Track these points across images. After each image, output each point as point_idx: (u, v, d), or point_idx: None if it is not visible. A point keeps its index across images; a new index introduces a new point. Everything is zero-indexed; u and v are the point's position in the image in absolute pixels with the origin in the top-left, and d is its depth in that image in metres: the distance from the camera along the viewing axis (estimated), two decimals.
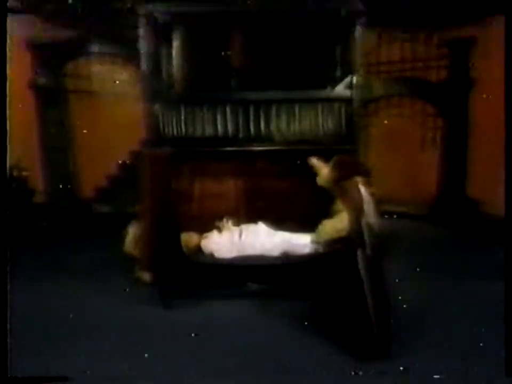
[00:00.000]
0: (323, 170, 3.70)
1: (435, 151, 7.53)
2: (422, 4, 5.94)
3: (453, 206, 7.13)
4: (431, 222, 7.19)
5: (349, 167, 3.51)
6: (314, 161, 3.79)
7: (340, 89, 4.17)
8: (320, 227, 3.80)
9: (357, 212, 3.32)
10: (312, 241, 4.08)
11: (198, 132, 4.23)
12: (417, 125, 7.55)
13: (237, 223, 4.44)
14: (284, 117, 4.24)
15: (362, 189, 3.37)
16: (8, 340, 2.38)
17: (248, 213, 4.53)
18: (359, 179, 3.42)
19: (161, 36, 4.20)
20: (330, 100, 4.22)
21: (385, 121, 7.45)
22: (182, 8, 4.10)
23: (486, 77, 6.52)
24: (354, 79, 4.08)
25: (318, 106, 4.21)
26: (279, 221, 4.44)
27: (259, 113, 4.22)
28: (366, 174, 3.51)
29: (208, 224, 4.42)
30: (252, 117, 4.21)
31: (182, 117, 4.21)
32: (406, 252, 5.71)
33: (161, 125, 4.17)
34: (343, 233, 3.40)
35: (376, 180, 7.23)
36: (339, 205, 3.53)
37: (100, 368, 3.07)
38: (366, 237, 3.25)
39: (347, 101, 4.15)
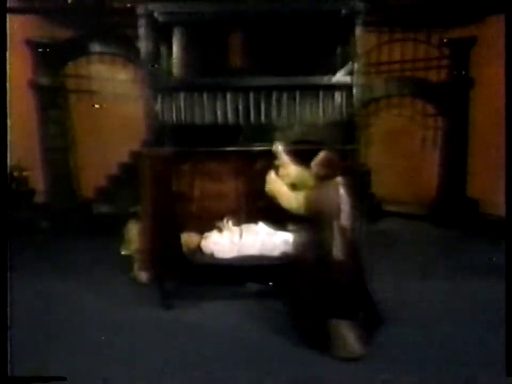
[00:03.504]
0: (289, 165, 3.67)
1: (435, 151, 7.53)
2: (423, 3, 5.95)
3: (454, 206, 7.13)
4: (432, 222, 7.20)
5: (336, 166, 3.40)
6: (281, 153, 3.75)
7: (340, 76, 4.10)
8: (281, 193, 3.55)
9: (331, 214, 3.26)
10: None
11: (198, 120, 4.18)
12: (418, 125, 7.55)
13: (237, 223, 4.44)
14: (284, 104, 4.17)
15: (342, 191, 3.31)
16: (8, 340, 2.38)
17: (248, 213, 4.53)
18: (340, 180, 3.35)
19: (161, 32, 4.18)
20: (331, 87, 4.12)
21: (386, 121, 7.46)
22: (182, 8, 4.09)
23: (486, 76, 6.53)
24: (355, 66, 4.00)
25: (319, 93, 4.15)
26: (279, 221, 4.44)
27: (259, 100, 4.16)
28: (349, 174, 3.43)
29: (208, 224, 4.42)
30: (252, 104, 4.14)
31: (182, 104, 4.16)
32: (407, 251, 5.74)
33: (160, 112, 4.11)
34: (300, 210, 3.35)
35: (377, 180, 7.30)
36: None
37: (99, 368, 3.08)
38: (336, 240, 3.22)
39: (347, 87, 4.07)
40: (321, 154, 3.44)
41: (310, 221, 3.39)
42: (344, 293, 3.25)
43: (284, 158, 3.77)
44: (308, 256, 3.39)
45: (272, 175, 3.68)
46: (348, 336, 3.19)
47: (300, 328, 3.44)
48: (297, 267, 3.47)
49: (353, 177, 3.54)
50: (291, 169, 3.71)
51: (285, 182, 3.61)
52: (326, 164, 3.39)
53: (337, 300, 3.24)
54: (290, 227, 4.33)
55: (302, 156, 3.75)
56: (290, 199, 3.46)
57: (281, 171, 3.71)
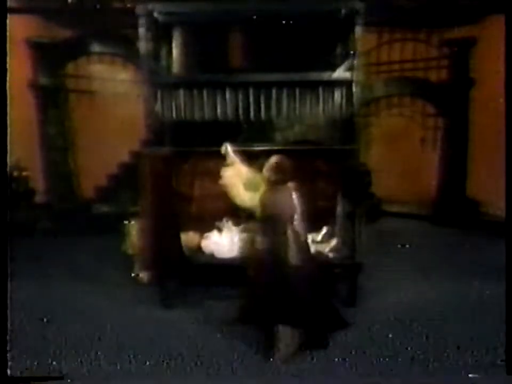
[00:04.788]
0: (238, 165, 3.61)
1: (435, 151, 7.53)
2: (423, 3, 5.95)
3: (454, 206, 7.13)
4: (432, 222, 7.20)
5: (288, 171, 3.35)
6: (230, 152, 3.65)
7: (340, 72, 4.08)
8: (236, 190, 3.57)
9: (285, 219, 3.26)
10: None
11: (198, 117, 4.16)
12: (418, 125, 7.56)
13: (237, 223, 4.44)
14: (284, 101, 4.15)
15: (294, 196, 3.30)
16: (8, 340, 2.38)
17: (248, 213, 4.52)
18: (292, 185, 3.34)
19: (161, 31, 4.18)
20: (331, 83, 4.11)
21: (386, 121, 7.46)
22: (182, 8, 4.09)
23: (486, 76, 6.53)
24: (355, 63, 3.97)
25: (318, 90, 4.12)
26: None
27: (259, 96, 4.14)
28: (300, 179, 3.38)
29: (208, 224, 4.42)
30: (252, 100, 4.12)
31: (181, 102, 4.15)
32: (406, 251, 5.74)
33: (160, 111, 4.10)
34: (256, 208, 3.37)
35: (377, 180, 7.28)
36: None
37: (98, 367, 3.08)
38: (292, 245, 3.22)
39: (347, 84, 4.05)
40: (273, 159, 3.38)
41: (264, 223, 3.36)
42: (294, 298, 3.21)
43: (233, 158, 3.67)
44: (262, 258, 3.35)
45: (227, 172, 3.63)
46: (288, 341, 3.18)
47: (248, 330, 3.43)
48: (251, 269, 3.41)
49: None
50: (240, 169, 3.63)
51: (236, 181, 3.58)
52: (278, 169, 3.34)
53: (286, 304, 3.21)
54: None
55: (253, 156, 3.70)
56: (245, 198, 3.48)
57: (231, 170, 3.63)
